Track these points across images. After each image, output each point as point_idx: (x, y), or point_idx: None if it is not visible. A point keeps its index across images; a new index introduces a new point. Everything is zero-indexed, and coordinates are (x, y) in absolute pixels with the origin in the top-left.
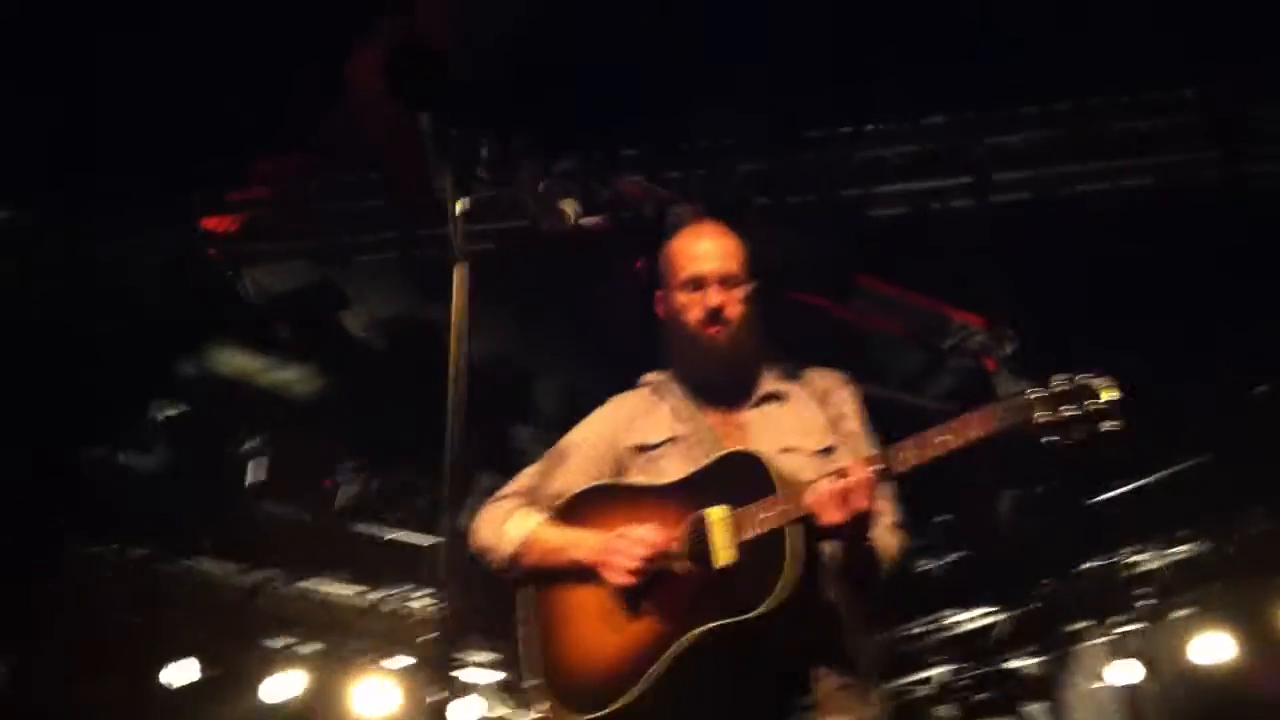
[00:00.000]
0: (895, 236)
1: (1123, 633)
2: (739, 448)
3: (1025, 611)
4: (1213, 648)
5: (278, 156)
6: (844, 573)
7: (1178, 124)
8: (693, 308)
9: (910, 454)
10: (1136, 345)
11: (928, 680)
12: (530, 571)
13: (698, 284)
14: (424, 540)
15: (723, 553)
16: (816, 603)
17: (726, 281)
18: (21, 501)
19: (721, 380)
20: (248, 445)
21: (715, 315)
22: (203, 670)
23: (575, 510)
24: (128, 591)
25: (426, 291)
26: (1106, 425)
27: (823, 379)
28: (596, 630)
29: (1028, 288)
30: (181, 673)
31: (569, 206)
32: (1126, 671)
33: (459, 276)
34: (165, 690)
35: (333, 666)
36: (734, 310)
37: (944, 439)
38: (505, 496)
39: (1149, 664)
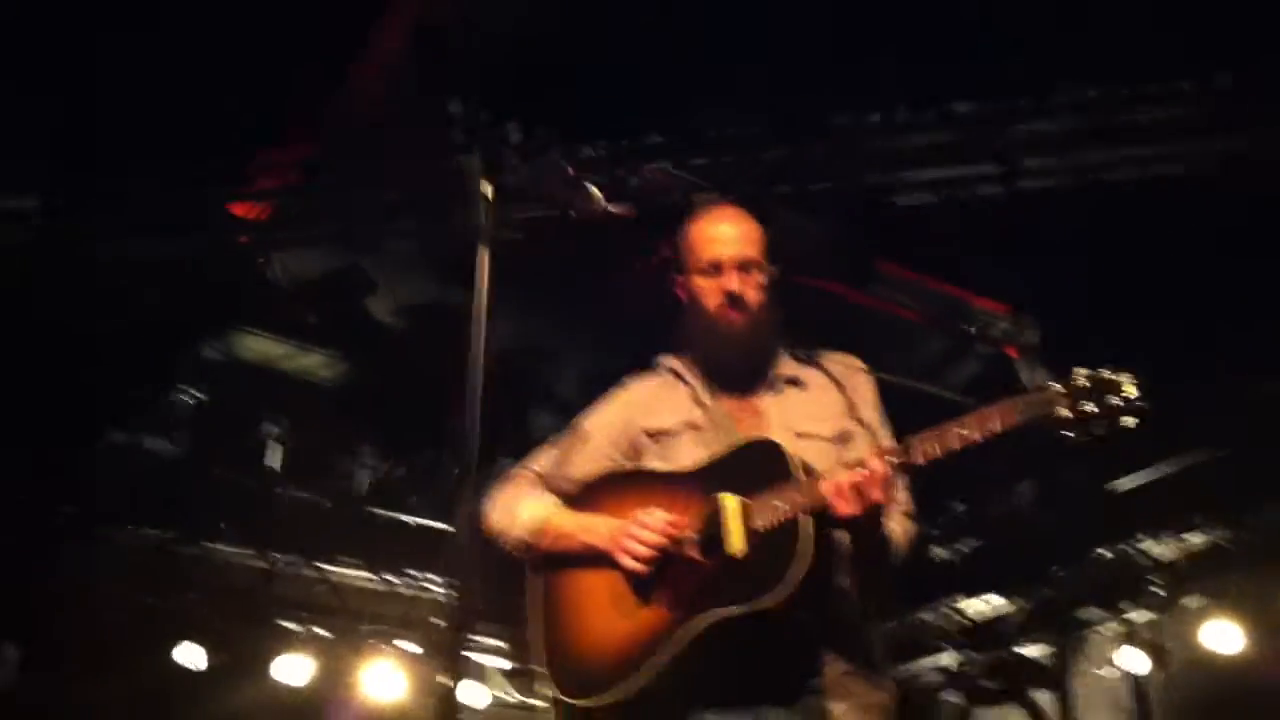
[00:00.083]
0: (916, 224)
1: (1134, 621)
2: (759, 436)
3: (1036, 599)
4: (1224, 637)
5: (301, 142)
6: (855, 561)
7: (1206, 111)
8: (710, 292)
9: (929, 447)
10: (1157, 334)
11: (937, 666)
12: (542, 555)
13: (716, 268)
14: (443, 525)
15: (737, 540)
16: (828, 591)
17: (744, 266)
18: (41, 486)
19: (738, 365)
20: (268, 430)
21: (733, 300)
22: (217, 653)
23: (589, 495)
24: (145, 574)
25: (452, 277)
26: (1126, 421)
27: (839, 364)
28: (607, 615)
29: (1044, 275)
30: (196, 655)
31: (597, 191)
32: (1136, 660)
33: (482, 260)
34: (180, 672)
35: (347, 651)
36: (752, 295)
37: (964, 432)
38: (518, 477)
39: (1160, 653)
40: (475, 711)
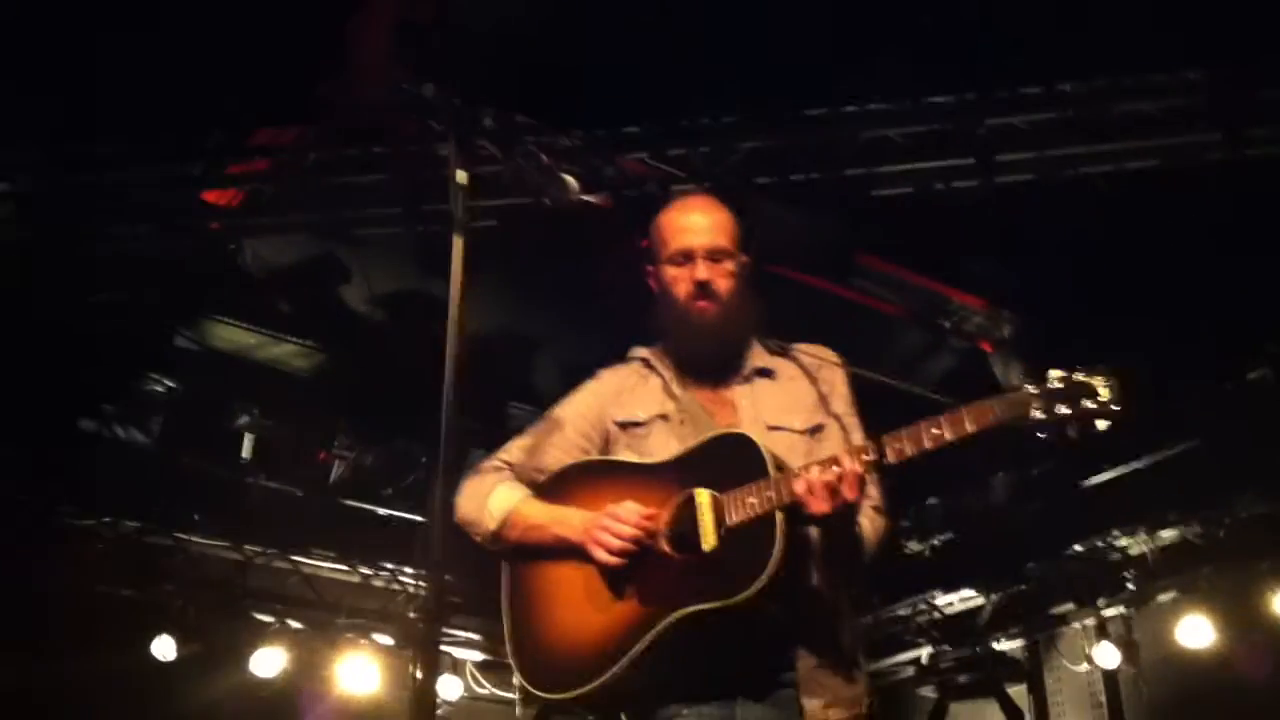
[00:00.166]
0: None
1: (1108, 616)
2: (731, 429)
3: (1011, 594)
4: (1198, 632)
5: (276, 129)
6: (827, 557)
7: (1181, 106)
8: (681, 281)
9: (903, 446)
10: (1128, 329)
11: (912, 661)
12: (514, 547)
13: (686, 257)
14: (417, 517)
15: (709, 536)
16: (800, 586)
17: (715, 255)
18: (14, 475)
19: (711, 355)
20: (242, 420)
21: (703, 289)
22: (191, 644)
23: (561, 486)
24: (119, 565)
25: (427, 267)
26: (1101, 424)
27: (812, 356)
28: (578, 609)
29: (1023, 268)
30: (170, 646)
31: (572, 180)
32: (1111, 655)
33: (457, 247)
34: (155, 663)
35: (320, 643)
36: (723, 284)
37: (936, 431)
38: (490, 469)
39: (1134, 648)
40: (447, 703)
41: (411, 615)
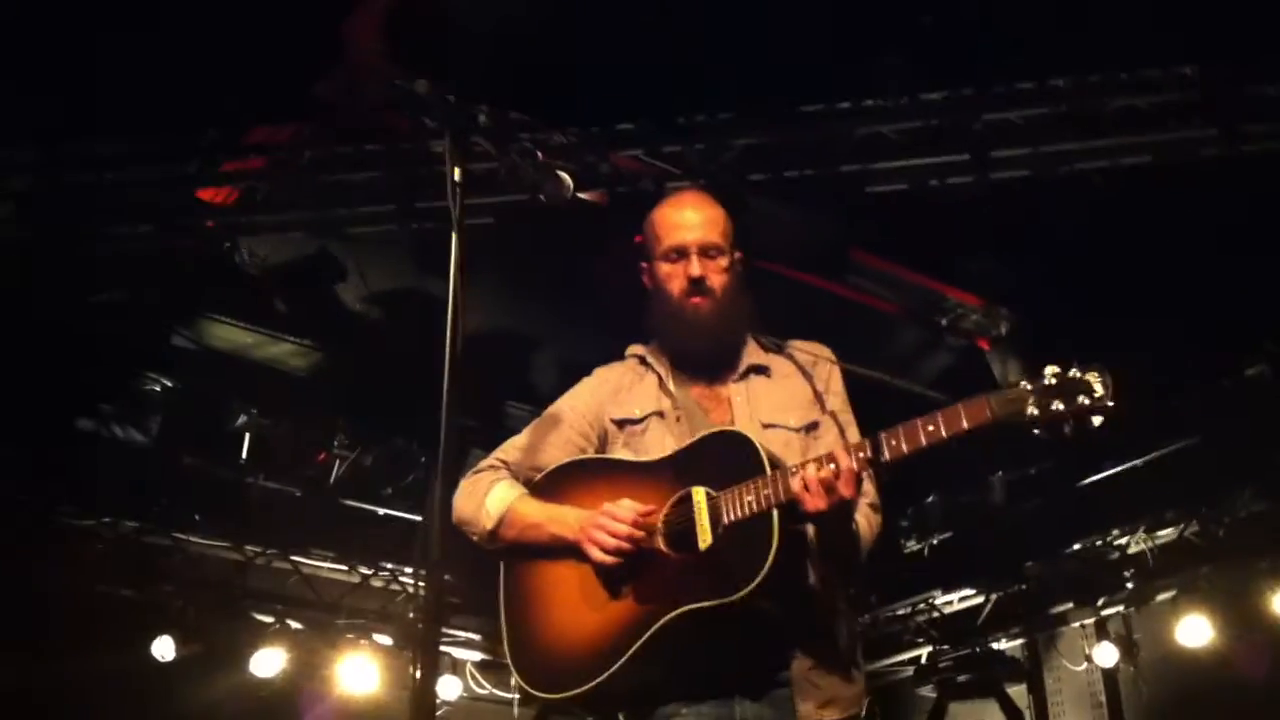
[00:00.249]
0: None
1: (1107, 615)
2: (727, 427)
3: (1010, 593)
4: (1197, 631)
5: (272, 127)
6: (823, 556)
7: (1177, 102)
8: (675, 278)
9: (899, 443)
10: (1126, 326)
11: (911, 661)
12: (510, 546)
13: (680, 253)
14: (416, 517)
15: (705, 534)
16: (796, 585)
17: (708, 251)
18: (13, 475)
19: (704, 352)
20: (240, 419)
21: (697, 285)
22: (190, 644)
23: (558, 484)
24: (118, 565)
25: (424, 264)
26: (1097, 421)
27: (807, 353)
28: (575, 608)
29: (1020, 265)
30: (170, 647)
31: (567, 176)
32: (1110, 654)
33: (455, 244)
34: (155, 663)
35: (320, 643)
36: (716, 280)
37: (932, 429)
38: (487, 468)
39: (1133, 647)
40: (446, 703)
41: (411, 615)
